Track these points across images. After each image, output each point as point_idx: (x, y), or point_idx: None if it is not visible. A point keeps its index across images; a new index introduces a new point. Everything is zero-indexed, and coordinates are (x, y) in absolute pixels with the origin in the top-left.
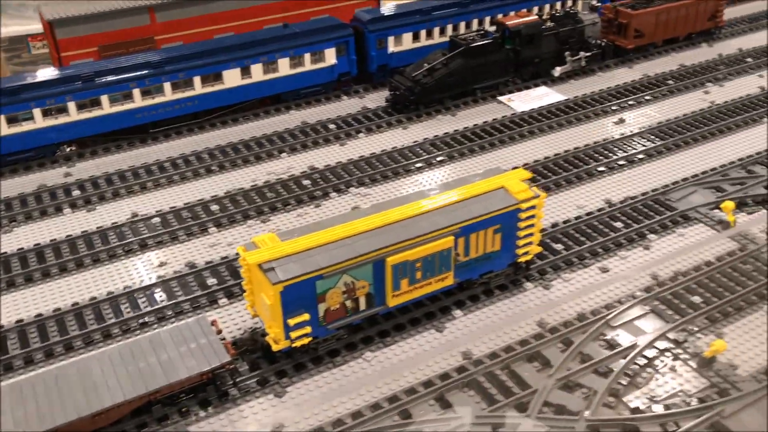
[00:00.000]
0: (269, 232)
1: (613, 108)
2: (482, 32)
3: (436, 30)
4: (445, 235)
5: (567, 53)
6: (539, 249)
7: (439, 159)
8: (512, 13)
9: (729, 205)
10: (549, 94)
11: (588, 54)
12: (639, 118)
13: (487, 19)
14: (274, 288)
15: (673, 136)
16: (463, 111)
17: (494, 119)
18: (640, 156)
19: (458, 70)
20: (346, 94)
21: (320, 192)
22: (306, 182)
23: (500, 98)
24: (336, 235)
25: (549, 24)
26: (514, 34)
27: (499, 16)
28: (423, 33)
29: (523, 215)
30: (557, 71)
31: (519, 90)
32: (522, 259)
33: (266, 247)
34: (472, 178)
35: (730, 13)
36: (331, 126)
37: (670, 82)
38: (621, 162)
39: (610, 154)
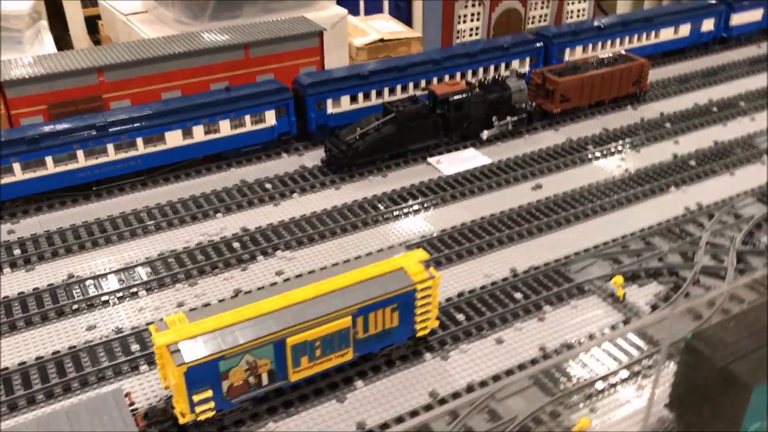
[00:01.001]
0: (180, 312)
1: (532, 173)
2: (414, 98)
3: (373, 93)
4: (343, 316)
5: (494, 118)
6: (436, 323)
7: (363, 222)
8: (446, 78)
9: (618, 279)
10: (476, 156)
11: (514, 118)
12: (555, 184)
13: (423, 82)
14: (179, 369)
15: (583, 204)
16: (394, 172)
17: (421, 182)
18: (551, 224)
19: (389, 134)
20: (286, 151)
21: (248, 255)
22: (236, 245)
23: (430, 160)
24: (240, 317)
25: (477, 91)
26: (443, 102)
27: (434, 80)
28: (361, 96)
29: (419, 295)
30: (485, 134)
31: (449, 152)
32: (420, 333)
33: (174, 327)
34: (379, 256)
35: (660, 73)
36: (268, 185)
37: (590, 146)
38: (532, 229)
39: (523, 222)
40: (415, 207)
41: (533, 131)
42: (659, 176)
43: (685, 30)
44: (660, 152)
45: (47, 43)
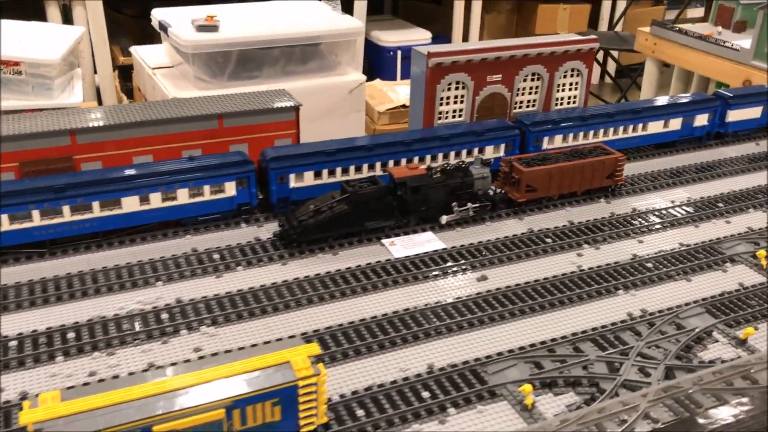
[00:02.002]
0: (56, 389)
1: (481, 263)
2: (373, 179)
3: (338, 170)
4: (216, 408)
5: (454, 204)
6: (324, 419)
7: (296, 302)
8: (415, 159)
9: (526, 388)
10: (432, 240)
11: (476, 205)
12: (501, 276)
13: (391, 162)
14: None
15: (523, 300)
16: (345, 251)
17: (368, 263)
18: (484, 319)
19: (342, 214)
20: (246, 222)
21: (172, 328)
22: (164, 315)
23: (384, 240)
24: (111, 400)
25: (438, 176)
26: (400, 184)
27: (403, 161)
28: (325, 172)
29: (302, 390)
30: (444, 219)
31: (406, 234)
32: (304, 429)
33: (44, 406)
34: (272, 346)
35: (645, 166)
36: (216, 256)
37: (549, 239)
38: (463, 323)
39: (456, 315)
40: (357, 289)
41: (497, 218)
42: (611, 277)
43: (676, 123)
44: (620, 251)
45: (76, 92)
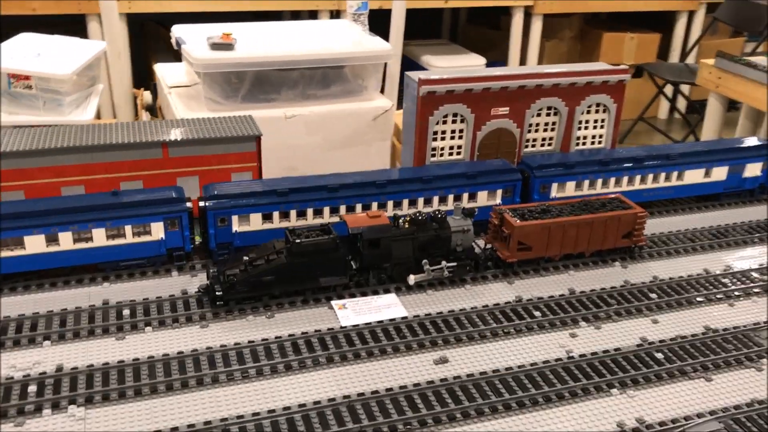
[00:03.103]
0: None
1: (446, 340)
2: (326, 227)
3: (293, 213)
4: None
5: (425, 261)
6: None
7: (198, 381)
8: (389, 204)
9: None
10: (393, 305)
11: (452, 265)
12: (468, 359)
13: (359, 206)
14: None
15: (488, 397)
16: (283, 314)
17: (304, 333)
18: (426, 420)
19: (281, 268)
20: (179, 270)
21: (34, 406)
22: (32, 387)
23: (334, 302)
24: None
25: (405, 227)
26: (356, 237)
27: (374, 205)
28: (276, 215)
29: None
30: (412, 280)
31: (365, 295)
32: None
33: None
34: None
35: (679, 223)
36: (126, 311)
37: (538, 313)
38: (396, 425)
39: (394, 413)
40: (279, 367)
41: (481, 281)
42: (607, 369)
43: (720, 173)
44: (626, 333)
45: (90, 109)
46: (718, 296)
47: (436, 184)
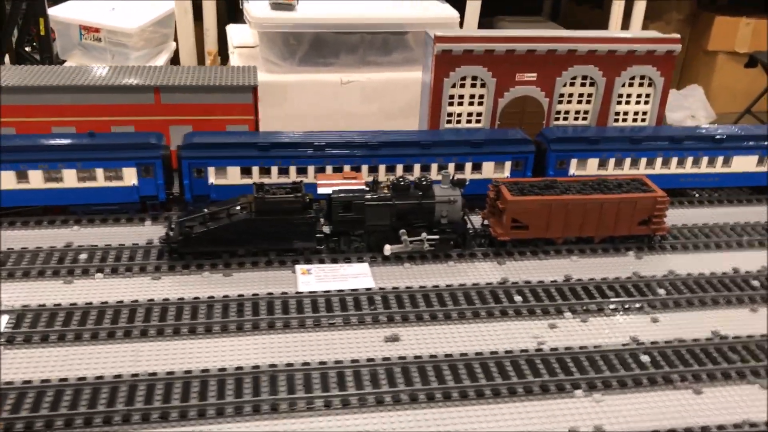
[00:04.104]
0: None
1: (405, 317)
2: (297, 185)
3: (275, 169)
4: None
5: (403, 232)
6: None
7: (125, 333)
8: (381, 168)
9: None
10: (362, 276)
11: (433, 238)
12: (422, 341)
13: (347, 167)
14: None
15: (426, 381)
16: (242, 274)
17: (255, 294)
18: (352, 400)
19: (243, 225)
20: (153, 219)
21: None
22: None
23: (298, 267)
24: None
25: (384, 192)
26: (328, 198)
27: (364, 167)
28: (256, 169)
29: None
30: (387, 250)
31: (336, 261)
32: None
33: None
34: None
35: (703, 216)
36: (83, 255)
37: (519, 298)
38: (334, 401)
39: (315, 388)
40: (214, 327)
41: (469, 258)
42: (578, 367)
43: None
44: (615, 330)
45: (157, 64)
46: (741, 299)
47: (436, 150)
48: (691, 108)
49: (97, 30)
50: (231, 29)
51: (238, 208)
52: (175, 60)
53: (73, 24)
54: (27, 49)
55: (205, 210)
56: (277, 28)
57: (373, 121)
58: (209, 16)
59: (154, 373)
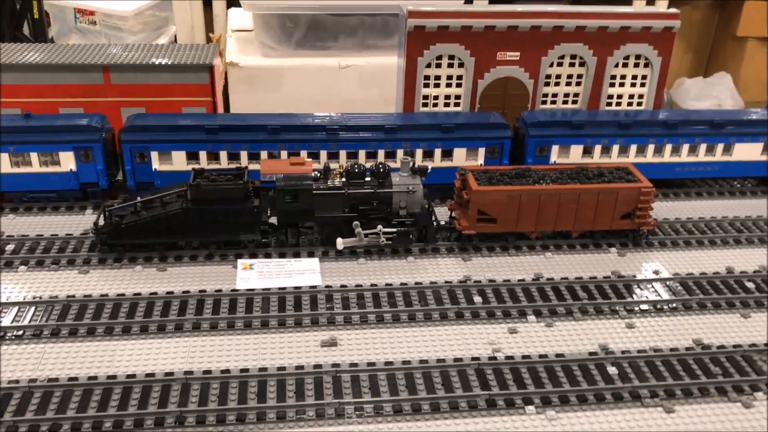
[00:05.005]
0: None
1: (348, 320)
2: (241, 171)
3: (224, 154)
4: None
5: (357, 224)
6: None
7: (35, 334)
8: (342, 154)
9: None
10: (309, 272)
11: (391, 230)
12: (362, 346)
13: (304, 153)
14: None
15: (357, 396)
16: (177, 268)
17: (186, 292)
18: (279, 413)
19: (179, 215)
20: (96, 208)
21: None
22: None
23: (240, 261)
24: None
25: (337, 181)
26: (276, 187)
27: (323, 153)
28: (204, 155)
29: None
30: (340, 244)
31: (283, 255)
32: None
33: None
34: None
35: (699, 208)
36: (10, 246)
37: (479, 299)
38: (249, 413)
39: (233, 397)
40: (134, 328)
41: (432, 254)
42: (534, 380)
43: None
44: (583, 337)
45: None
46: (732, 303)
47: (402, 135)
48: (718, 97)
49: (92, 13)
50: (232, 13)
51: (175, 196)
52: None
53: (68, 7)
54: (26, 32)
55: (138, 198)
56: (271, 10)
57: (372, 107)
58: (219, 2)
59: (56, 379)
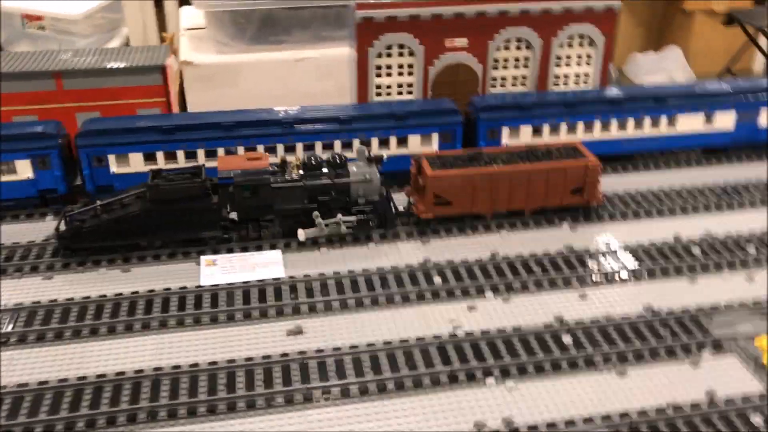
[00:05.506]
0: None
1: (313, 308)
2: (198, 170)
3: (181, 153)
4: None
5: (317, 214)
6: None
7: (7, 339)
8: (299, 146)
9: None
10: (272, 264)
11: (350, 219)
12: (327, 332)
13: (260, 147)
14: None
15: (325, 380)
16: (141, 268)
17: (151, 291)
18: (241, 404)
19: (139, 216)
20: (56, 213)
21: None
22: None
23: (203, 258)
24: None
25: (294, 173)
26: (234, 183)
27: (280, 147)
28: (161, 155)
29: None
30: (302, 235)
31: (245, 250)
32: None
33: None
34: None
35: (646, 181)
36: None
37: (438, 279)
38: (199, 408)
39: (206, 392)
40: (101, 329)
41: (392, 239)
42: (493, 351)
43: (726, 120)
44: (539, 309)
45: None
46: (679, 270)
47: (357, 125)
48: (669, 70)
49: (39, 18)
50: (184, 11)
51: (134, 197)
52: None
53: (14, 13)
54: None
55: (98, 201)
56: (223, 6)
57: (329, 99)
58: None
59: (25, 384)
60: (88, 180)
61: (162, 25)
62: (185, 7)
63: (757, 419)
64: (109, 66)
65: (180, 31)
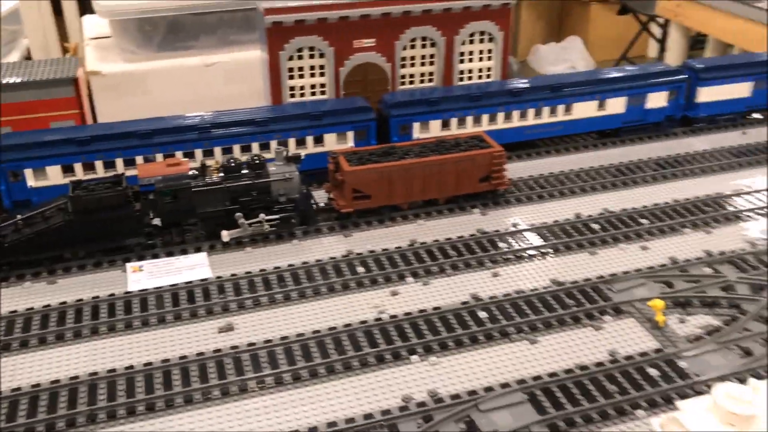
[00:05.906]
0: None
1: (242, 304)
2: (118, 177)
3: (100, 164)
4: None
5: (239, 215)
6: None
7: None
8: (217, 150)
9: None
10: (198, 266)
11: (273, 218)
12: (258, 326)
13: (179, 154)
14: None
15: (258, 371)
16: (67, 279)
17: (79, 300)
18: (167, 401)
19: (62, 227)
20: None
21: None
22: None
23: (129, 265)
24: None
25: (214, 176)
26: (157, 191)
27: (198, 152)
28: (79, 167)
29: None
30: (226, 236)
31: (170, 254)
32: None
33: None
34: None
35: (548, 165)
36: None
37: (362, 269)
38: (138, 408)
39: (146, 389)
40: (32, 340)
41: (315, 234)
42: (416, 332)
43: (617, 105)
44: (456, 290)
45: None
46: (581, 244)
47: (273, 126)
48: (571, 59)
49: None
50: (86, 20)
51: (56, 209)
52: (29, 57)
53: None
54: None
55: (18, 216)
56: (126, 15)
57: (240, 103)
58: (69, 9)
59: None
60: (4, 195)
61: (63, 36)
62: (87, 16)
63: (653, 371)
64: (18, 81)
65: (84, 40)
